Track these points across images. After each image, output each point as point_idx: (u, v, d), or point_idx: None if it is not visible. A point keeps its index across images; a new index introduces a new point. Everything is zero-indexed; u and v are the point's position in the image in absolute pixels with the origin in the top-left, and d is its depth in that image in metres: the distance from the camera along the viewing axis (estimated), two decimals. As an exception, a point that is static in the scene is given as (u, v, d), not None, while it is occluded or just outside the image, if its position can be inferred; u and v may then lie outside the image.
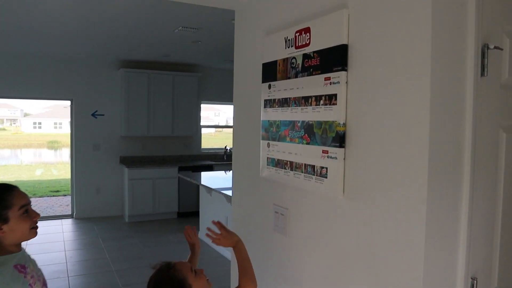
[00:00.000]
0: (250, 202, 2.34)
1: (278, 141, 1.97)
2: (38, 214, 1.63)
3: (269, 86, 2.04)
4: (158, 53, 6.78)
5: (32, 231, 1.60)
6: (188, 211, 7.56)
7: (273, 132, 2.01)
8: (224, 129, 15.80)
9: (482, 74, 1.37)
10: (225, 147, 8.65)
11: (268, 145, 2.05)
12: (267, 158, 2.07)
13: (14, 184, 1.63)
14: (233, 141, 2.52)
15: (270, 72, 2.03)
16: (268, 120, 2.05)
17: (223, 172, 6.96)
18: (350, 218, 1.59)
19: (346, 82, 1.58)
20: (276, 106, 1.99)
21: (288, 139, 1.90)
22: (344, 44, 1.58)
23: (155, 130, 7.57)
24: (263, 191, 2.17)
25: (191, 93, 7.84)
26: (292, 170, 1.87)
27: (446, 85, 1.33)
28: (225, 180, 5.83)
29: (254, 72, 2.22)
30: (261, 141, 2.12)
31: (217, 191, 4.93)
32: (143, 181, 7.24)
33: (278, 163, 1.98)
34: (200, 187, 6.10)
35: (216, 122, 27.54)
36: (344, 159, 1.60)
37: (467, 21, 1.34)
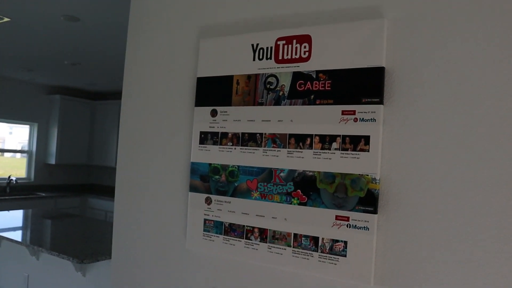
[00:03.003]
0: None
1: (232, 196, 1.31)
2: None
3: (214, 113, 1.36)
4: None
5: None
6: None
7: (220, 182, 1.33)
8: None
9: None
10: (9, 177, 6.40)
11: (209, 200, 1.35)
12: (205, 221, 1.35)
13: None
14: (117, 188, 1.63)
15: (216, 92, 1.36)
16: (210, 164, 1.36)
17: (5, 212, 5.11)
18: (387, 317, 1.10)
19: (383, 120, 1.12)
20: (229, 143, 1.32)
21: (255, 194, 1.26)
22: (380, 66, 1.12)
23: None
24: (190, 272, 1.42)
25: None
26: (264, 242, 1.24)
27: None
28: (12, 222, 4.21)
29: (172, 88, 1.49)
30: (190, 193, 1.39)
31: (10, 240, 3.43)
32: None
33: (231, 230, 1.30)
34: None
35: None
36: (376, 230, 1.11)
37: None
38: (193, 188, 1.38)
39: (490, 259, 0.98)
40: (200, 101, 1.39)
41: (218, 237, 1.32)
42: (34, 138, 6.41)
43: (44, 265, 3.43)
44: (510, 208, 0.97)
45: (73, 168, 7.03)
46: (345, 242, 1.12)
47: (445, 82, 1.06)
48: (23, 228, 3.96)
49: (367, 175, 1.11)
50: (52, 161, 6.37)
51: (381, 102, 1.11)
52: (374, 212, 1.10)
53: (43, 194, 6.07)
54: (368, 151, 1.11)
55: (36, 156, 6.40)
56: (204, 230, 1.35)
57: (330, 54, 1.18)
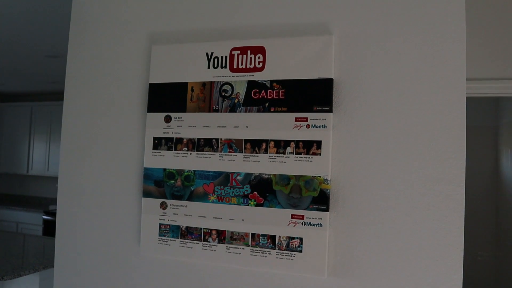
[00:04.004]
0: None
1: (189, 200, 1.34)
2: None
3: (168, 119, 1.38)
4: None
5: None
6: None
7: (175, 187, 1.36)
8: None
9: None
10: None
11: (164, 205, 1.37)
12: (161, 225, 1.37)
13: None
14: (59, 195, 1.56)
15: (170, 98, 1.38)
16: (164, 169, 1.37)
17: None
18: (339, 304, 1.21)
19: (333, 126, 1.24)
20: (185, 148, 1.35)
21: (212, 198, 1.31)
22: (329, 78, 1.23)
23: None
24: (145, 278, 1.41)
25: None
26: (222, 243, 1.29)
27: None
28: None
29: (121, 93, 1.48)
30: (143, 199, 1.39)
31: None
32: None
33: (188, 233, 1.33)
34: None
35: None
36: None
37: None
38: (146, 194, 1.39)
39: (427, 247, 1.14)
40: (153, 107, 1.40)
41: (175, 241, 1.34)
42: None
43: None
44: (443, 201, 1.13)
45: (-24, 177, 6.37)
46: (301, 239, 1.22)
47: (384, 91, 1.20)
48: None
49: (320, 176, 1.21)
50: (-49, 169, 5.73)
51: (330, 110, 1.22)
52: (326, 210, 1.21)
53: None
54: (320, 154, 1.22)
55: None
56: (159, 235, 1.36)
57: (283, 65, 1.27)
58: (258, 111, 1.28)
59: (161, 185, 1.37)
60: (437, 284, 1.12)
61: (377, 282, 1.18)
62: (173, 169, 1.36)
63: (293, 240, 1.23)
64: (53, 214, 5.40)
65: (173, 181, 1.35)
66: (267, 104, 1.28)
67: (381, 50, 1.21)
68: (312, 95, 1.24)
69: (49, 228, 5.40)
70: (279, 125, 1.26)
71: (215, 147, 1.31)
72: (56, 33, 3.43)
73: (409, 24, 1.19)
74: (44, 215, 5.46)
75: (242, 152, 1.29)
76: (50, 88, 5.91)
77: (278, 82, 1.27)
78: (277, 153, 1.25)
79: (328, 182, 1.21)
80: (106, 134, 1.49)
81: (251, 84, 1.29)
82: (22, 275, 2.71)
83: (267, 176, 1.26)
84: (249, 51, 1.30)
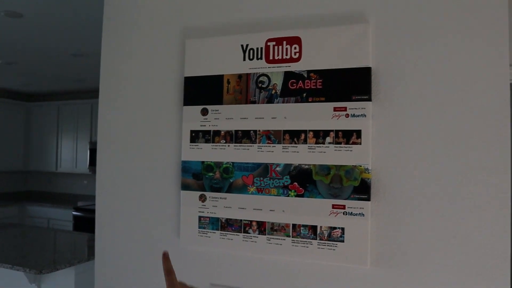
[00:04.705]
0: None
1: (228, 192, 1.35)
2: None
3: (204, 111, 1.39)
4: None
5: None
6: None
7: (214, 179, 1.37)
8: None
9: None
10: None
11: (203, 198, 1.38)
12: (200, 218, 1.38)
13: None
14: (97, 191, 1.60)
15: (206, 91, 1.39)
16: (203, 162, 1.38)
17: None
18: (383, 294, 1.20)
19: (372, 115, 1.22)
20: (222, 140, 1.36)
21: (252, 189, 1.32)
22: (367, 66, 1.22)
23: None
24: (184, 270, 1.43)
25: None
26: (262, 234, 1.30)
27: None
28: None
29: (155, 87, 1.49)
30: (182, 191, 1.41)
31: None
32: None
33: (228, 225, 1.34)
34: None
35: None
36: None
37: None
38: (185, 187, 1.40)
39: (473, 236, 1.12)
40: (189, 100, 1.41)
41: (215, 233, 1.36)
42: (-39, 144, 5.89)
43: None
44: (486, 189, 1.11)
45: (8, 175, 6.56)
46: (342, 229, 1.21)
47: (424, 79, 1.18)
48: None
49: (360, 165, 1.20)
50: (-16, 168, 5.91)
51: (369, 99, 1.21)
52: (368, 199, 1.20)
53: (-24, 205, 5.61)
54: (360, 143, 1.21)
55: (-35, 164, 5.89)
56: (199, 227, 1.38)
57: (320, 55, 1.26)
58: (296, 101, 1.28)
59: (200, 178, 1.38)
60: (485, 274, 1.10)
61: (421, 273, 1.16)
62: (211, 161, 1.37)
63: (334, 230, 1.22)
64: (82, 210, 5.53)
65: (211, 174, 1.37)
66: (304, 94, 1.27)
67: (419, 37, 1.19)
68: (350, 84, 1.23)
69: (79, 224, 5.53)
70: (318, 115, 1.25)
71: (253, 139, 1.32)
72: (82, 31, 3.48)
73: (449, 10, 1.16)
74: (74, 211, 5.58)
75: (281, 143, 1.29)
76: (76, 87, 6.02)
77: (315, 72, 1.26)
78: (316, 143, 1.25)
79: (369, 171, 1.20)
80: (143, 129, 1.51)
81: (288, 75, 1.29)
82: (59, 269, 2.79)
83: (306, 166, 1.26)
84: (284, 42, 1.30)
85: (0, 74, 5.28)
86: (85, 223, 5.45)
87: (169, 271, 0.74)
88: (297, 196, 1.26)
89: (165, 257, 0.78)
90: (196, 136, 1.39)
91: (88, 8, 2.95)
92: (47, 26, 3.38)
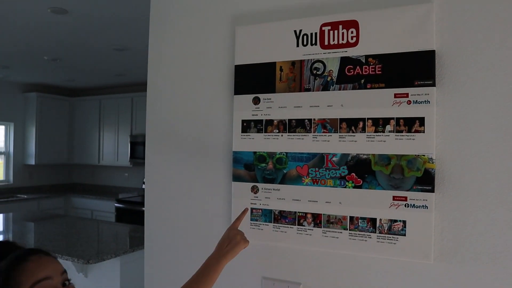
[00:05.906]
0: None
1: (281, 183, 1.31)
2: None
3: (256, 100, 1.36)
4: None
5: None
6: None
7: (266, 170, 1.33)
8: None
9: None
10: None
11: (255, 189, 1.35)
12: (252, 210, 1.35)
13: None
14: (146, 183, 1.60)
15: (258, 79, 1.35)
16: (255, 152, 1.35)
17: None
18: (449, 291, 1.14)
19: (436, 102, 1.15)
20: (275, 130, 1.32)
21: (307, 180, 1.27)
22: (431, 50, 1.14)
23: None
24: (236, 263, 1.41)
25: None
26: (318, 227, 1.25)
27: None
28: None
29: (204, 77, 1.47)
30: (233, 183, 1.38)
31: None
32: None
33: (281, 217, 1.31)
34: None
35: None
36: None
37: None
38: (236, 178, 1.38)
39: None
40: (240, 89, 1.38)
41: (268, 225, 1.33)
42: (10, 138, 6.15)
43: None
44: None
45: (53, 168, 6.80)
46: (404, 222, 1.15)
47: (493, 63, 1.10)
48: (13, 231, 3.82)
49: (424, 155, 1.14)
50: (32, 161, 6.15)
51: (433, 85, 1.14)
52: (432, 190, 1.13)
53: (25, 196, 5.85)
54: (424, 132, 1.14)
55: (14, 157, 6.15)
56: (251, 219, 1.35)
57: (379, 39, 1.20)
58: (353, 88, 1.22)
59: (252, 169, 1.35)
60: None
61: (488, 269, 1.09)
62: (264, 151, 1.33)
63: (395, 223, 1.16)
64: (124, 202, 5.66)
65: (264, 164, 1.33)
66: (362, 80, 1.21)
67: (487, 18, 1.10)
68: (413, 68, 1.15)
69: (121, 215, 5.67)
70: (377, 102, 1.19)
71: (308, 128, 1.27)
72: (125, 25, 3.53)
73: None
74: (116, 203, 5.73)
75: (337, 132, 1.23)
76: (116, 81, 6.15)
77: (374, 57, 1.20)
78: (375, 131, 1.19)
79: (433, 161, 1.13)
80: (193, 119, 1.49)
81: (345, 61, 1.23)
82: (105, 260, 2.85)
83: (365, 156, 1.20)
84: (340, 26, 1.24)
85: (46, 71, 5.45)
86: (127, 214, 5.58)
87: (239, 218, 1.27)
88: (354, 187, 1.21)
89: (245, 212, 1.31)
90: (247, 126, 1.36)
91: (131, 1, 2.98)
92: (92, 21, 3.44)
